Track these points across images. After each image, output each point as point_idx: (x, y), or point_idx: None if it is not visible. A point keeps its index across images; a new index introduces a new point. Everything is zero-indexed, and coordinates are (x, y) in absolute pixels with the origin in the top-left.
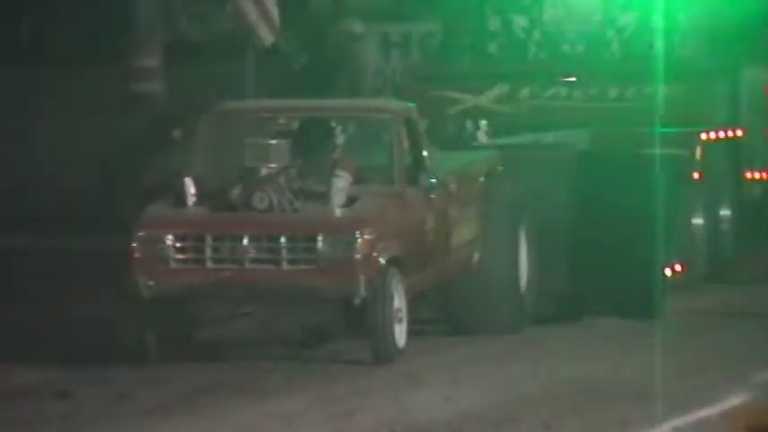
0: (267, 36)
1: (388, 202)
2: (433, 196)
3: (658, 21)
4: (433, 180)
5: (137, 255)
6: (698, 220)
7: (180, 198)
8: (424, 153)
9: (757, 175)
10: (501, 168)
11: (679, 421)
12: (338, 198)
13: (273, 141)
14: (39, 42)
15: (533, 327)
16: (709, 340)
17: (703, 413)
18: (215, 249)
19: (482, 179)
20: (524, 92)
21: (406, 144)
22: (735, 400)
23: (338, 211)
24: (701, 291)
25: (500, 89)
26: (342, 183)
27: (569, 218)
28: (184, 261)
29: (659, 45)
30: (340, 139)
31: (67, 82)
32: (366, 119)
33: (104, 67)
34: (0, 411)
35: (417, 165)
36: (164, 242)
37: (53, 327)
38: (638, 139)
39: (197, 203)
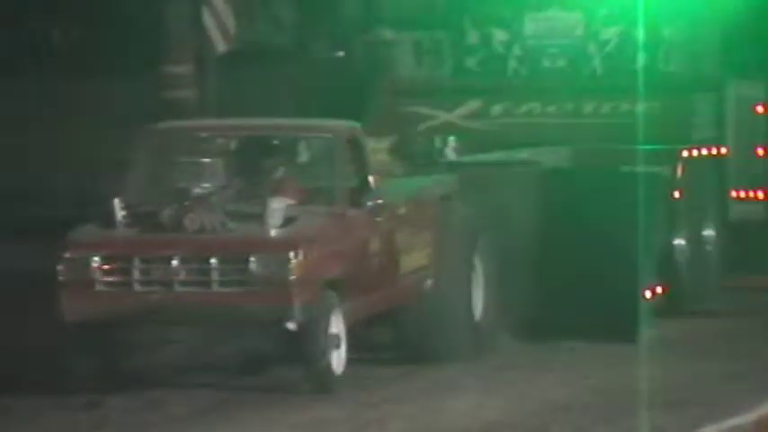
0: (220, 43)
1: (327, 223)
2: (378, 219)
3: (641, 35)
4: (379, 201)
5: (62, 278)
6: (680, 241)
7: (109, 219)
8: (370, 174)
9: (743, 195)
10: (456, 192)
11: (712, 429)
12: (274, 218)
13: (207, 160)
14: (76, 51)
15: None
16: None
17: (736, 421)
18: (143, 272)
19: (435, 204)
20: (497, 108)
21: (348, 164)
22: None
23: (273, 231)
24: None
25: (472, 105)
26: (278, 203)
27: (538, 238)
28: (111, 284)
29: (642, 59)
30: (282, 159)
31: (102, 90)
32: (308, 138)
33: (137, 75)
34: (32, 425)
35: (362, 186)
36: (90, 264)
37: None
38: (616, 156)
39: (128, 225)
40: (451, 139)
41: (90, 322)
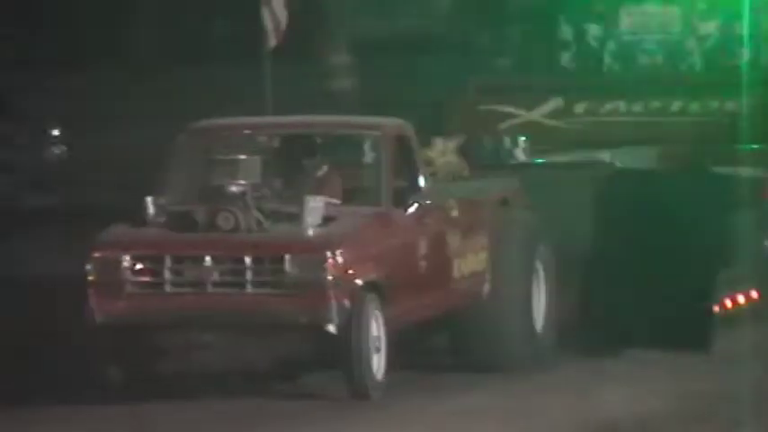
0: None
1: (368, 223)
2: (427, 220)
3: (744, 29)
4: (427, 202)
5: (91, 278)
6: None
7: (141, 218)
8: (419, 174)
9: None
10: (518, 195)
11: None
12: (311, 218)
13: (244, 157)
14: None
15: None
16: None
17: None
18: (175, 272)
19: (493, 206)
20: (580, 106)
21: (394, 163)
22: None
23: (310, 230)
24: None
25: (554, 104)
26: (316, 202)
27: (606, 244)
28: (142, 285)
29: (744, 55)
30: (325, 158)
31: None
32: (353, 136)
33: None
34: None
35: (410, 186)
36: (120, 264)
37: None
38: (706, 156)
39: (160, 224)
40: (522, 139)
41: (121, 324)
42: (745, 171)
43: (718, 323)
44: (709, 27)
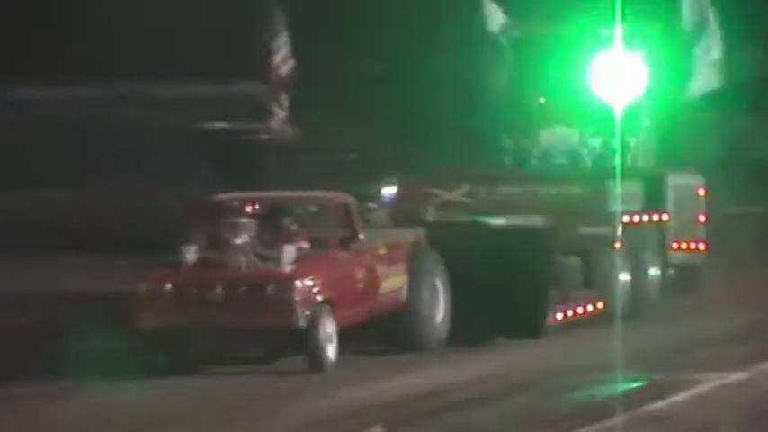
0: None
1: (323, 261)
2: (363, 257)
3: (617, 142)
4: (362, 246)
5: (140, 299)
6: (625, 277)
7: (176, 260)
8: (357, 227)
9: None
10: (424, 238)
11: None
12: (286, 258)
13: (243, 220)
14: None
15: None
16: None
17: None
18: (197, 296)
19: (407, 246)
20: (483, 190)
21: (341, 221)
22: None
23: (285, 268)
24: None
25: (466, 188)
26: (289, 248)
27: (475, 270)
28: (173, 304)
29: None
30: (294, 218)
31: None
32: (316, 204)
33: None
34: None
35: (351, 235)
36: (162, 291)
37: None
38: (567, 221)
39: (189, 265)
40: (431, 207)
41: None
42: (599, 230)
43: (547, 324)
44: (596, 141)
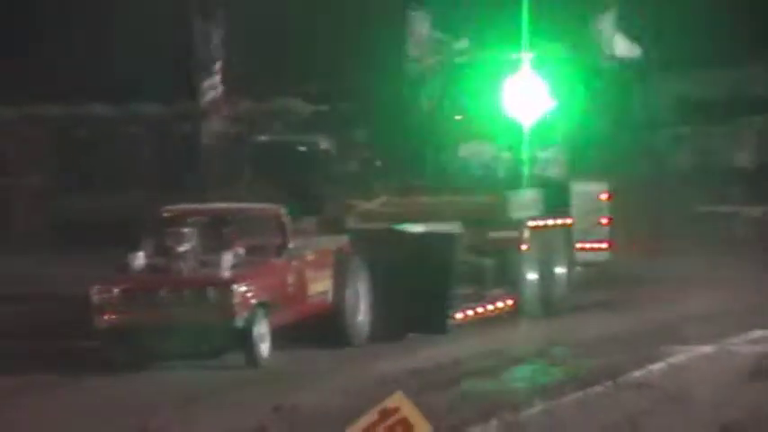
0: None
1: (257, 268)
2: (293, 263)
3: (525, 154)
4: (293, 253)
5: (93, 301)
6: (533, 275)
7: (125, 267)
8: (288, 236)
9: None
10: (347, 245)
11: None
12: (225, 265)
13: (186, 229)
14: None
15: None
16: None
17: None
18: (143, 299)
19: (332, 252)
20: (402, 200)
21: (272, 231)
22: None
23: (224, 273)
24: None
25: (383, 199)
26: (227, 255)
27: (392, 272)
28: (124, 306)
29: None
30: (233, 228)
31: None
32: (252, 216)
33: None
34: None
35: (282, 243)
36: (112, 293)
37: None
38: (477, 225)
39: (137, 270)
40: (353, 216)
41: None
42: (506, 234)
43: (450, 321)
44: (508, 155)
